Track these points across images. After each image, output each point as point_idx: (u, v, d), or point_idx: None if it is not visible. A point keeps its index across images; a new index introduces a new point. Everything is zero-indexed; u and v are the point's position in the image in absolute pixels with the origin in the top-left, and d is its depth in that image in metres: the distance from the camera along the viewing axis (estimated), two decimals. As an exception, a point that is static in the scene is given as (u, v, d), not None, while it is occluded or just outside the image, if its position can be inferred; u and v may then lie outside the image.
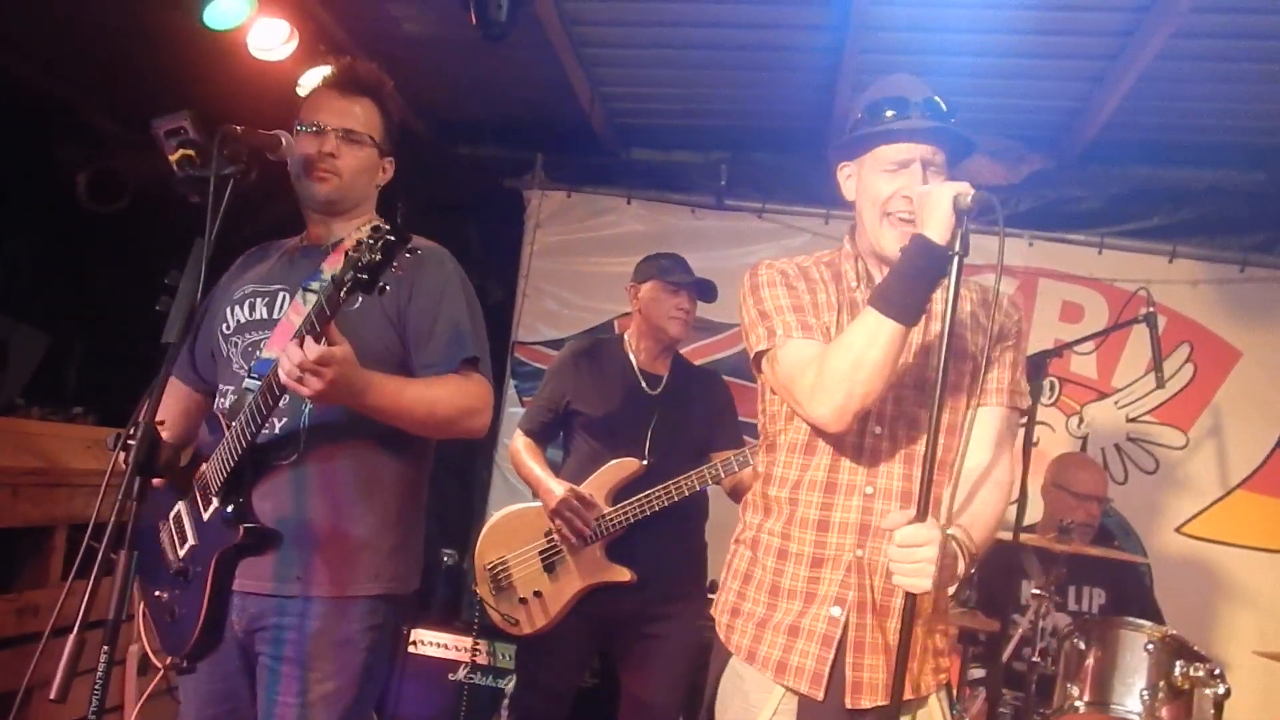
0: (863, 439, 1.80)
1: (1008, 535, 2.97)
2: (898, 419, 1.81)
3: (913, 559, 1.58)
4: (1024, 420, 2.90)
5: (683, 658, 2.93)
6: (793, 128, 4.30)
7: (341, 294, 1.62)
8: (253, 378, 1.94)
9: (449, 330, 1.98)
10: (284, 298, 2.01)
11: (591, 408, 2.96)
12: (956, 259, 1.60)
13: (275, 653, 1.89)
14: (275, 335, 1.96)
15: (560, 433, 3.09)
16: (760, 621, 1.83)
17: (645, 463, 2.88)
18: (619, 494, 2.88)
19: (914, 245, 1.63)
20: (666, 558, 2.90)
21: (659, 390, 3.01)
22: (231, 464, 1.87)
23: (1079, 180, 4.25)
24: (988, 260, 1.64)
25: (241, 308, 2.04)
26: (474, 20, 2.97)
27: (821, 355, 1.72)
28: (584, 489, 2.86)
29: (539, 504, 2.94)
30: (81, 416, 3.76)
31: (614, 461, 2.90)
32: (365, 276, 1.60)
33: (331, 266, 1.97)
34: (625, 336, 3.10)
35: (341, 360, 1.69)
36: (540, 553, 2.93)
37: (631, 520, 2.84)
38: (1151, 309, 3.11)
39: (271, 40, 3.42)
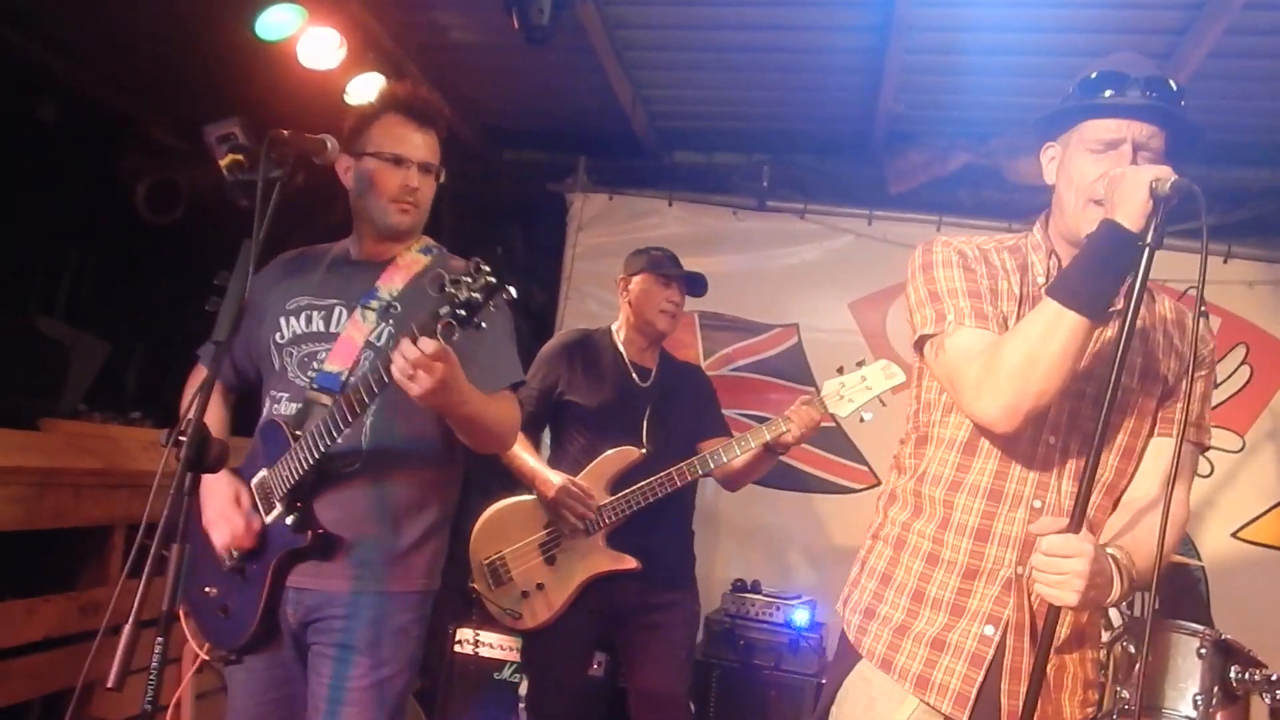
0: (1035, 448, 1.65)
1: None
2: (1072, 431, 1.66)
3: (1058, 569, 1.45)
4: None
5: (685, 645, 2.96)
6: (835, 129, 4.29)
7: (438, 328, 1.67)
8: (315, 389, 2.01)
9: (497, 354, 2.05)
10: (340, 312, 2.07)
11: (584, 398, 2.97)
12: (1147, 251, 1.44)
13: (332, 640, 1.98)
14: (336, 349, 2.03)
15: (547, 424, 3.09)
16: (899, 628, 1.70)
17: (644, 451, 2.89)
18: (617, 483, 2.88)
19: (1101, 231, 1.49)
20: (665, 547, 2.93)
21: (649, 382, 3.03)
22: (301, 471, 1.94)
23: (1130, 179, 4.16)
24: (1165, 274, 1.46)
25: (297, 319, 2.09)
26: (516, 25, 3.01)
27: (993, 346, 1.57)
28: (582, 478, 2.87)
29: (532, 496, 2.92)
30: (140, 420, 3.85)
31: (613, 450, 2.89)
32: (464, 313, 1.66)
33: (387, 284, 2.07)
34: (614, 329, 3.11)
35: (452, 361, 1.75)
36: (540, 545, 2.91)
37: (635, 508, 2.84)
38: (1202, 308, 3.03)
39: (321, 49, 3.48)
